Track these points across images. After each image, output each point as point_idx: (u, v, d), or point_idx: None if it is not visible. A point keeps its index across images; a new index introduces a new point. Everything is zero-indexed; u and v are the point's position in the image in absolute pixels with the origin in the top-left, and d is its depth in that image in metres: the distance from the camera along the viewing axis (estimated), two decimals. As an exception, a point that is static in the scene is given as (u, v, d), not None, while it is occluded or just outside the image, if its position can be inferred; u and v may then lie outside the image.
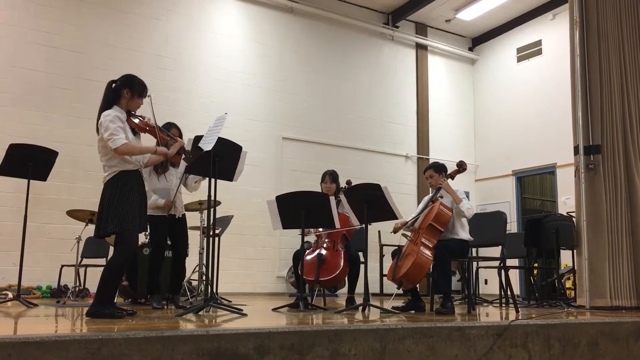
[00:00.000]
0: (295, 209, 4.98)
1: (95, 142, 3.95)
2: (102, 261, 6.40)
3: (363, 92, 11.32)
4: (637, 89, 6.04)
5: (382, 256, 9.43)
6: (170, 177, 5.35)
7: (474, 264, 6.56)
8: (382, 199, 4.73)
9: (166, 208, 5.20)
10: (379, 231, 9.27)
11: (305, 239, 5.23)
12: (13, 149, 5.40)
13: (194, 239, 6.43)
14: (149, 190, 5.08)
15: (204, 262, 6.01)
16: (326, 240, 5.61)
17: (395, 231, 5.04)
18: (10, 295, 6.27)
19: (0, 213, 7.73)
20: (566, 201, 10.14)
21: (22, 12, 8.36)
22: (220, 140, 4.32)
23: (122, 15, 9.10)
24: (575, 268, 6.13)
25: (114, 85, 4.02)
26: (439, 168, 5.23)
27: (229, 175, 4.69)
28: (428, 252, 4.74)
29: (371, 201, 4.77)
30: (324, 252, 5.53)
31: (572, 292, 7.20)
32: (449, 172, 5.22)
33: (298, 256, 5.43)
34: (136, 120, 4.05)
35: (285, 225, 5.10)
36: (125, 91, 3.99)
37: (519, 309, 5.38)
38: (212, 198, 4.32)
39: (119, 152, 3.82)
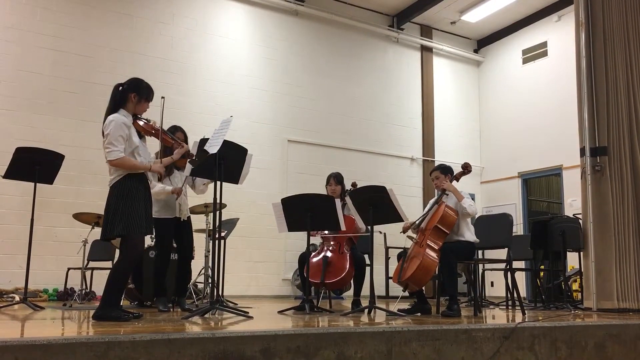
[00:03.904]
0: (301, 212, 4.98)
1: (102, 145, 3.97)
2: (109, 264, 6.44)
3: (368, 95, 11.32)
4: (643, 89, 6.02)
5: (387, 258, 9.41)
6: (175, 180, 5.35)
7: (480, 266, 6.53)
8: (387, 201, 4.73)
9: (175, 195, 5.18)
10: (385, 233, 9.23)
11: (311, 241, 5.23)
12: (20, 153, 5.42)
13: (200, 241, 6.44)
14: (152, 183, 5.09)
15: (210, 264, 6.02)
16: (332, 242, 5.60)
17: (404, 231, 5.04)
18: (17, 298, 6.29)
19: (7, 216, 7.77)
20: (572, 203, 10.11)
21: (29, 16, 8.41)
22: (226, 143, 4.34)
23: (128, 19, 9.15)
24: (582, 270, 6.09)
25: (120, 88, 4.03)
26: (445, 170, 5.23)
27: (235, 178, 4.71)
28: (434, 254, 4.73)
29: (377, 203, 4.77)
30: (329, 254, 5.52)
31: (579, 294, 7.17)
32: (454, 174, 5.23)
33: (304, 258, 5.43)
34: (141, 123, 4.07)
35: (291, 228, 5.10)
36: (133, 95, 4.00)
37: (526, 311, 5.37)
38: (218, 201, 4.33)
39: (112, 164, 3.86)
